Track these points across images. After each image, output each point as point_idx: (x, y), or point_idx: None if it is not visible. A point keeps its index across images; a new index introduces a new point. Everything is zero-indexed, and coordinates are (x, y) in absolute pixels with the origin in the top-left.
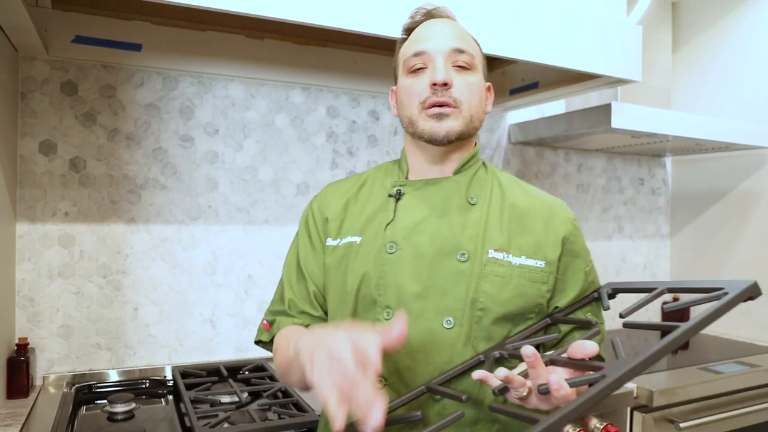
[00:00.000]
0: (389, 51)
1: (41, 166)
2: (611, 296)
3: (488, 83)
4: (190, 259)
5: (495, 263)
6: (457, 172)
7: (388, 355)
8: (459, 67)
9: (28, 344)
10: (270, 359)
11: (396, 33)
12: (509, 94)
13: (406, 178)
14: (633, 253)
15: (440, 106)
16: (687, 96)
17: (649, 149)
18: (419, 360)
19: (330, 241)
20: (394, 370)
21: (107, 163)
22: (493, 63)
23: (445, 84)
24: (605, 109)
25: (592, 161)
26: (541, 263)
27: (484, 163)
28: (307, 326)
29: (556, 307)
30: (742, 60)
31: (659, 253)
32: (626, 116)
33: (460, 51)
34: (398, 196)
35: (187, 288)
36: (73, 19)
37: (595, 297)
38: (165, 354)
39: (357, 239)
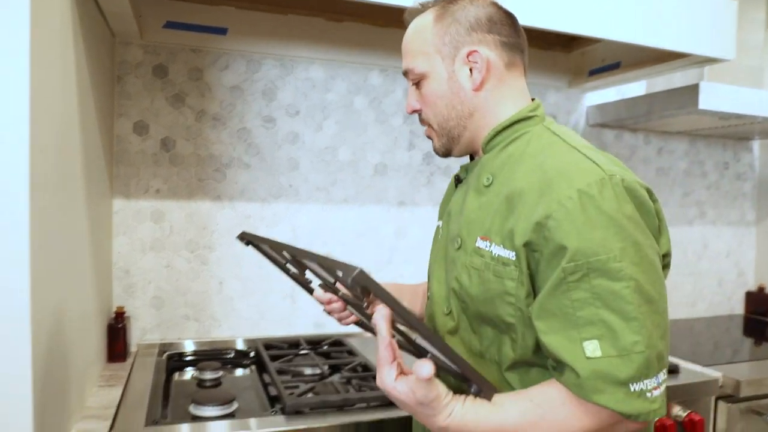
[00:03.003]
0: None
1: (135, 146)
2: None
3: (465, 49)
4: (272, 236)
5: (477, 253)
6: (486, 152)
7: None
8: (415, 84)
9: (124, 313)
10: (347, 335)
11: None
12: (588, 75)
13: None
14: (715, 239)
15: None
16: None
17: (735, 132)
18: None
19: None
20: None
21: (195, 143)
22: (572, 43)
23: (414, 111)
24: (692, 90)
25: (673, 144)
26: (511, 254)
27: (528, 133)
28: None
29: None
30: None
31: (744, 240)
32: (715, 97)
33: (405, 72)
34: (458, 180)
35: (268, 264)
36: (165, 5)
37: None
38: (247, 326)
39: (439, 223)
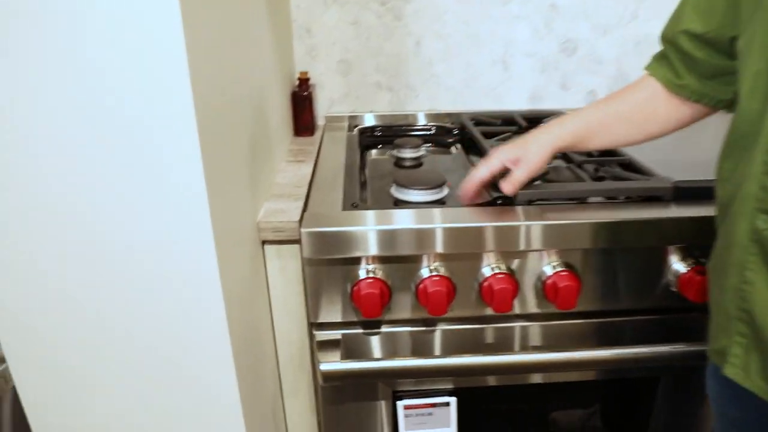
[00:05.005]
0: None
1: None
2: None
3: None
4: None
5: None
6: None
7: None
8: None
9: (308, 79)
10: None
11: None
12: None
13: None
14: None
15: None
16: None
17: None
18: None
19: None
20: None
21: None
22: None
23: None
24: None
25: None
26: None
27: None
28: None
29: None
30: None
31: None
32: None
33: None
34: None
35: (476, 19)
36: None
37: None
38: (449, 98)
39: None
